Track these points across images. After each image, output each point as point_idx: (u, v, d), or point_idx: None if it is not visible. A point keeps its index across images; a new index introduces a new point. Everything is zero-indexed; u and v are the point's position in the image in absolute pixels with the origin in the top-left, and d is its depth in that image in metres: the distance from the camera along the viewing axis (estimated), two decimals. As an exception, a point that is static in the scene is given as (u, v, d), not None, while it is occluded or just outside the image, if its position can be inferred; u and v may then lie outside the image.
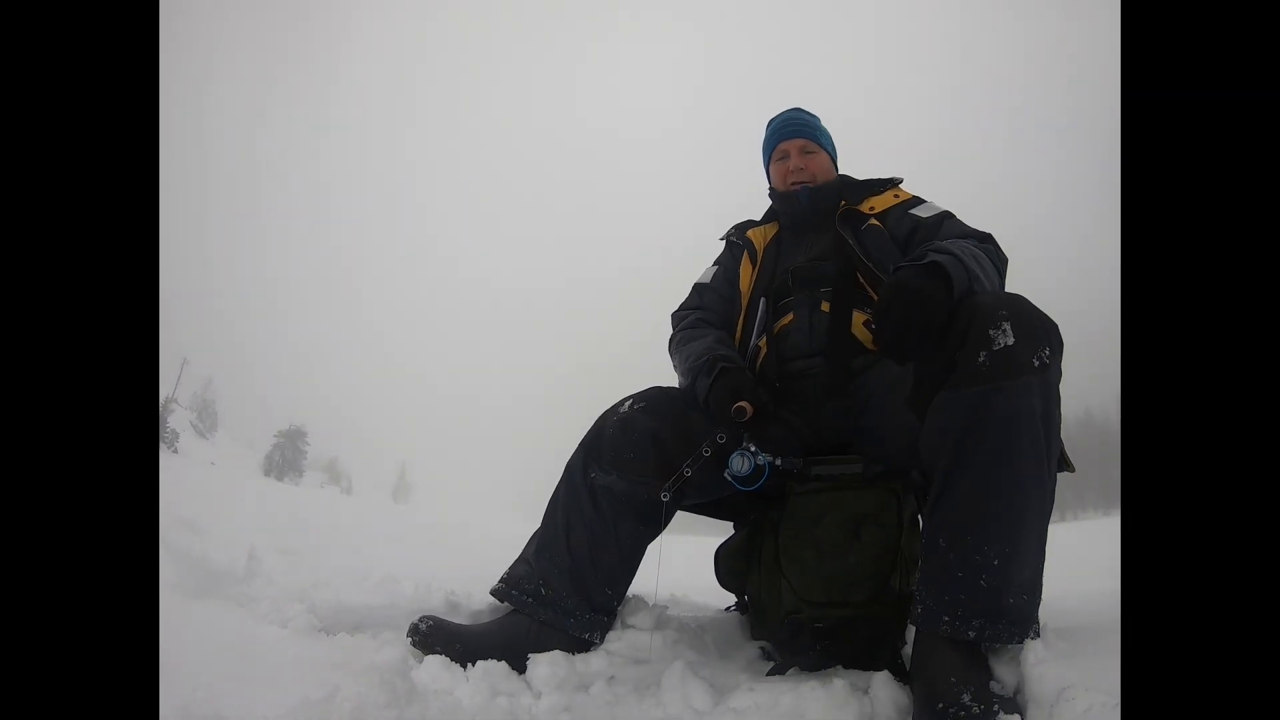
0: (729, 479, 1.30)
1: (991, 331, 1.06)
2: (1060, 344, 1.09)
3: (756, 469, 1.29)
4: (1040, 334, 1.07)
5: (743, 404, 1.29)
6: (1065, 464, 1.20)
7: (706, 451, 1.30)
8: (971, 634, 1.03)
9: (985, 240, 1.43)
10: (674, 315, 1.75)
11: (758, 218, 1.81)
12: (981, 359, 1.06)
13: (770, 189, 1.78)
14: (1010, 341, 1.05)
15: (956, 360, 1.09)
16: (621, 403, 1.43)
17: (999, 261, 1.39)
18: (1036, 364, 1.05)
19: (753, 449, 1.30)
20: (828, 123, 1.79)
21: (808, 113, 1.79)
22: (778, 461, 1.31)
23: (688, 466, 1.30)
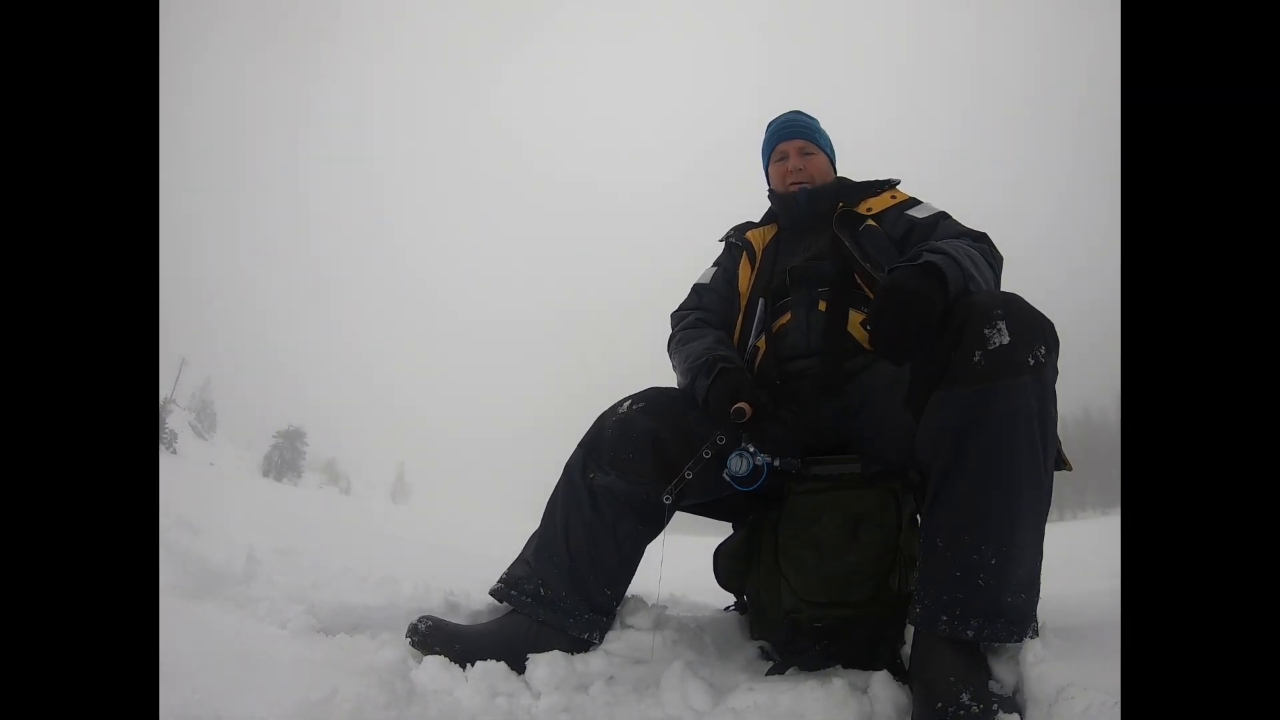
0: (727, 479, 1.29)
1: (987, 331, 1.07)
2: (1056, 343, 1.10)
3: (755, 469, 1.29)
4: (1036, 333, 1.07)
5: (742, 405, 1.28)
6: (1062, 463, 1.20)
7: (707, 454, 1.30)
8: (970, 633, 1.03)
9: (980, 239, 1.43)
10: (673, 316, 1.75)
11: (756, 220, 1.82)
12: (977, 358, 1.06)
13: (769, 190, 1.79)
14: (1005, 341, 1.05)
15: (952, 360, 1.09)
16: (621, 403, 1.43)
17: (994, 260, 1.40)
18: (1032, 363, 1.05)
19: (751, 449, 1.30)
20: (827, 125, 1.80)
21: (807, 115, 1.80)
22: (776, 462, 1.31)
23: (689, 470, 1.30)
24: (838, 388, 1.41)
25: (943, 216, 1.55)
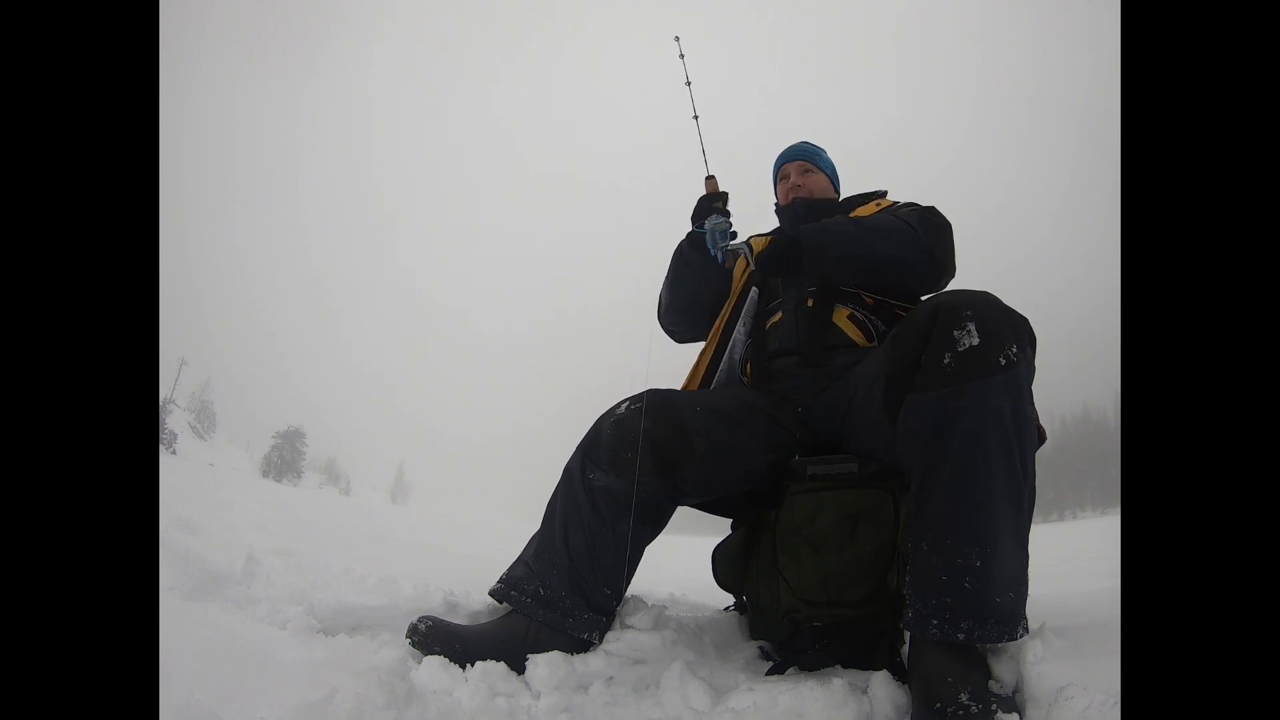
0: (707, 235, 1.54)
1: (956, 333, 1.08)
2: (1030, 339, 1.10)
3: (726, 225, 1.53)
4: (1007, 332, 1.08)
5: (711, 183, 1.60)
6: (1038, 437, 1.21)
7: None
8: (961, 636, 1.03)
9: (920, 209, 1.60)
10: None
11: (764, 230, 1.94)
12: (946, 361, 1.07)
13: (775, 204, 1.96)
14: (975, 341, 1.06)
15: (922, 363, 1.11)
16: (618, 405, 1.43)
17: (925, 224, 1.53)
18: (1003, 362, 1.06)
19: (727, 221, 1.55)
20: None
21: (813, 145, 1.98)
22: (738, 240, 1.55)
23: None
24: (818, 361, 1.49)
25: (905, 205, 1.69)
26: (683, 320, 1.83)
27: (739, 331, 1.66)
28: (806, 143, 1.98)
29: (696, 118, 1.66)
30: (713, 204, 1.60)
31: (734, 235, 1.55)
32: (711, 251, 1.55)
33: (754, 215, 1.97)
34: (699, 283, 1.73)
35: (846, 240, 1.49)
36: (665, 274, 1.81)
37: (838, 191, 1.94)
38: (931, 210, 1.60)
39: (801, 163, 1.90)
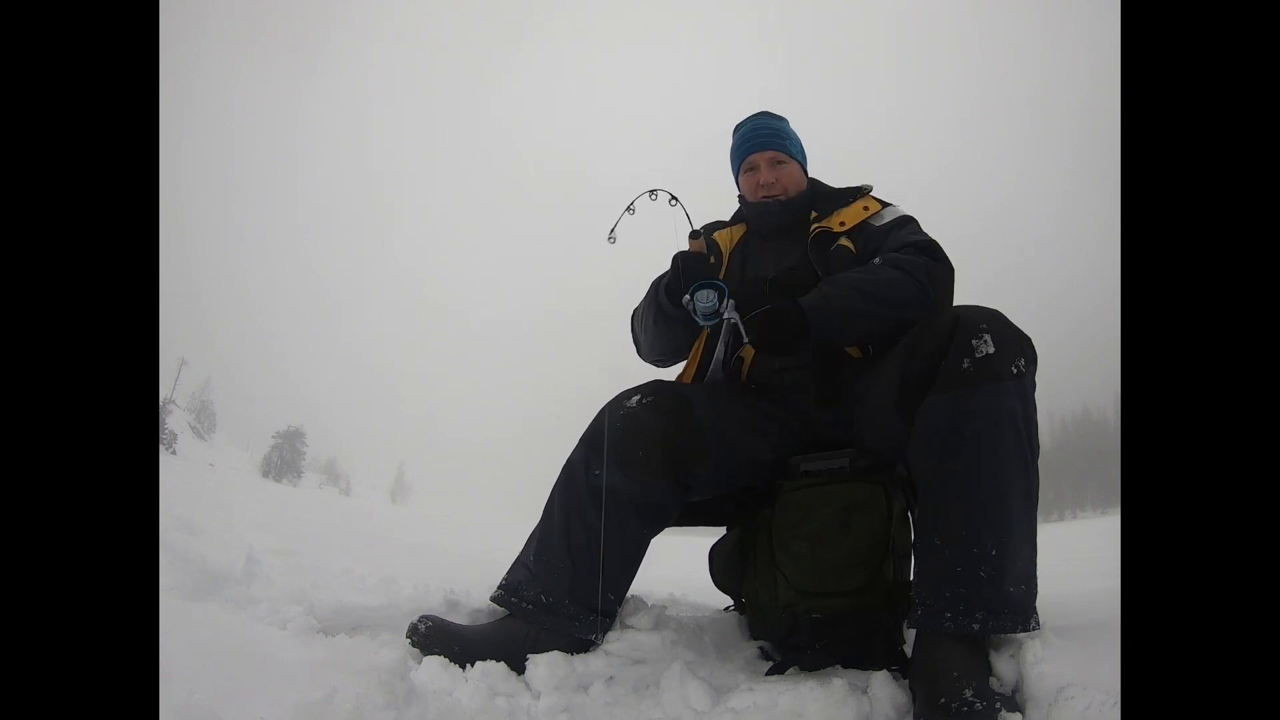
0: (691, 308, 1.42)
1: (974, 341, 1.15)
2: (1035, 356, 1.19)
3: (718, 292, 1.41)
4: (1016, 347, 1.16)
5: (696, 243, 1.54)
6: None
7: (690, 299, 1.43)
8: (976, 626, 1.04)
9: (924, 250, 1.45)
10: (634, 313, 1.76)
11: (726, 219, 1.82)
12: (965, 365, 1.14)
13: (740, 195, 1.77)
14: (992, 350, 1.14)
15: (941, 367, 1.17)
16: (626, 396, 1.40)
17: (928, 272, 1.40)
18: (1015, 371, 1.14)
19: (716, 285, 1.43)
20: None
21: (776, 117, 1.75)
22: (727, 310, 1.41)
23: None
24: (835, 398, 1.45)
25: (899, 224, 1.55)
26: (667, 356, 1.73)
27: (719, 351, 1.55)
28: (769, 117, 1.74)
29: (674, 200, 1.56)
30: (699, 264, 1.50)
31: (723, 302, 1.42)
32: (700, 325, 1.45)
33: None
34: (679, 332, 1.62)
35: (856, 319, 1.37)
36: (641, 307, 1.69)
37: (805, 170, 1.75)
38: (937, 256, 1.45)
39: (772, 152, 1.68)
